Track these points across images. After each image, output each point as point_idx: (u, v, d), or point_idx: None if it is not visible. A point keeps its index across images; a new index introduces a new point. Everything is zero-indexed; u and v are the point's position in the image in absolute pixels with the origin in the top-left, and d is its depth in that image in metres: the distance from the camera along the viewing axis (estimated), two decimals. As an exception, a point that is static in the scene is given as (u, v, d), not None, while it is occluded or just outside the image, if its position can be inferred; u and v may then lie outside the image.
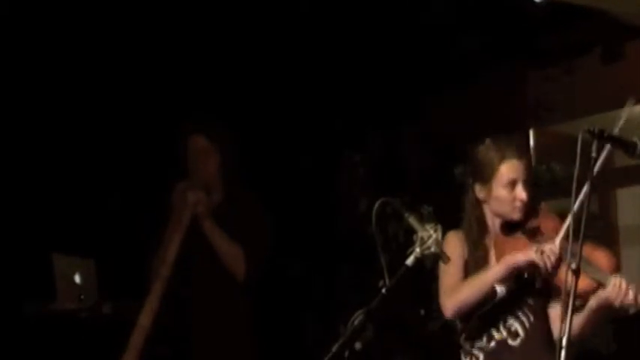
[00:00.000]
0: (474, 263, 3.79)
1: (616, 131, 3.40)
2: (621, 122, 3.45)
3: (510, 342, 3.76)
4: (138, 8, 5.52)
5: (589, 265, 3.57)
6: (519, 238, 3.76)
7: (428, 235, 3.34)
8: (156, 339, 4.60)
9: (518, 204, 3.75)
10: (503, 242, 3.77)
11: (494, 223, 3.83)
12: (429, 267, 3.84)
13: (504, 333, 3.76)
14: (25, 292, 5.51)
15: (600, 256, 3.67)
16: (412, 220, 3.40)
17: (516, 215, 3.77)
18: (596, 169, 3.31)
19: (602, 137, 3.24)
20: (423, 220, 3.48)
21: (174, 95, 5.91)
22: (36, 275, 5.52)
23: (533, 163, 6.34)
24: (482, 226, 3.83)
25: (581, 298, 3.56)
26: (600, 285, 3.58)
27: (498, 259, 3.74)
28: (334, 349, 3.21)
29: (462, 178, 3.92)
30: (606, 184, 6.21)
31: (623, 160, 3.85)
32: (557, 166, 6.02)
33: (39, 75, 5.75)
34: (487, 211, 3.83)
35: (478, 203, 3.83)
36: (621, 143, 3.36)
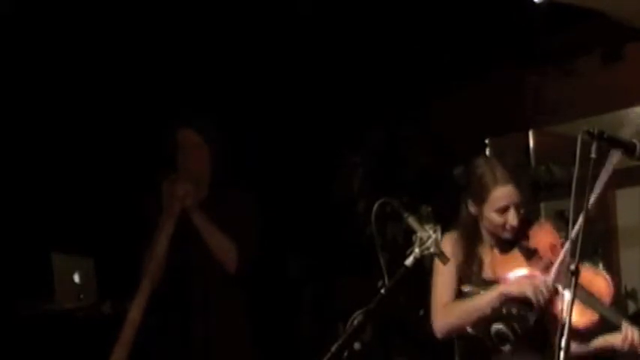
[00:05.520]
0: (468, 275, 3.81)
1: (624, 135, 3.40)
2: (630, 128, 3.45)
3: (501, 347, 3.76)
4: (132, 5, 5.52)
5: (591, 296, 3.56)
6: (516, 256, 3.77)
7: (427, 235, 3.34)
8: (153, 340, 4.61)
9: (508, 228, 3.77)
10: (499, 259, 3.78)
11: (488, 237, 3.85)
12: (429, 267, 3.84)
13: (495, 339, 3.76)
14: (23, 292, 5.50)
15: (601, 285, 3.66)
16: (411, 221, 3.40)
17: (506, 237, 3.79)
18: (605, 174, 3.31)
19: (602, 138, 3.24)
20: (422, 220, 3.48)
21: (169, 95, 5.90)
22: (34, 274, 5.52)
23: (533, 164, 6.35)
24: (477, 237, 3.86)
25: (584, 334, 3.56)
26: (603, 319, 3.58)
27: (494, 274, 3.77)
28: (333, 349, 3.21)
29: (461, 179, 3.94)
30: (605, 185, 6.20)
31: (622, 161, 3.85)
32: (557, 167, 6.02)
33: (35, 75, 5.74)
34: (481, 225, 3.86)
35: (472, 216, 3.86)
36: (621, 144, 3.36)
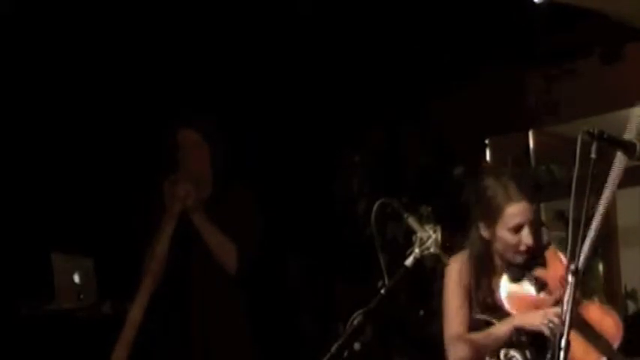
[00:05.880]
0: (480, 300, 3.76)
1: (627, 136, 3.39)
2: (631, 126, 3.44)
3: None
4: (132, 5, 5.51)
5: (601, 338, 3.54)
6: (526, 286, 3.72)
7: (427, 235, 3.34)
8: (153, 339, 4.61)
9: (523, 248, 3.71)
10: (510, 288, 3.73)
11: (500, 263, 3.80)
12: (429, 267, 3.83)
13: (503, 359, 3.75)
14: (23, 292, 5.50)
15: (610, 326, 3.62)
16: (411, 221, 3.40)
17: (519, 259, 3.72)
18: (611, 180, 3.30)
19: (602, 138, 3.23)
20: (422, 220, 3.48)
21: (169, 95, 5.90)
22: (34, 274, 5.52)
23: (533, 164, 6.35)
24: (489, 263, 3.79)
25: None
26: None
27: (506, 303, 3.72)
28: (333, 349, 3.21)
29: (461, 179, 3.92)
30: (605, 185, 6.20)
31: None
32: (557, 168, 6.01)
33: (35, 75, 5.74)
34: (492, 249, 3.79)
35: (483, 240, 3.79)
36: (620, 144, 3.36)
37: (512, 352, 3.72)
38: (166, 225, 4.63)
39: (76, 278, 5.51)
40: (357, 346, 3.24)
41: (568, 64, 6.19)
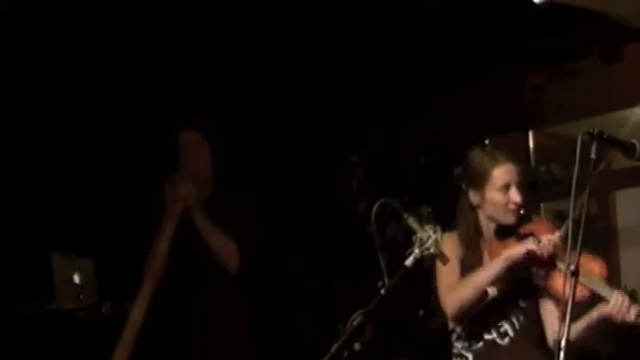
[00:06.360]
0: (469, 266, 3.81)
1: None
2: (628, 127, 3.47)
3: (499, 341, 3.78)
4: (132, 5, 5.52)
5: (584, 275, 3.58)
6: (512, 242, 3.78)
7: (427, 235, 3.35)
8: (154, 339, 4.61)
9: (512, 207, 3.78)
10: (496, 246, 3.79)
11: (488, 228, 3.86)
12: (429, 267, 3.84)
13: (494, 333, 3.78)
14: (23, 292, 5.50)
15: (594, 265, 3.69)
16: (411, 221, 3.41)
17: (510, 219, 3.80)
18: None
19: (602, 139, 3.24)
20: (422, 221, 3.49)
21: (169, 95, 5.91)
22: (34, 274, 5.52)
23: (533, 164, 6.36)
24: (477, 231, 3.86)
25: (576, 307, 3.56)
26: (596, 295, 3.59)
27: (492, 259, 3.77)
28: (333, 349, 3.22)
29: (460, 180, 3.95)
30: (605, 185, 6.21)
31: (621, 161, 3.87)
32: (557, 168, 6.02)
33: (35, 75, 5.74)
34: (481, 216, 3.87)
35: (472, 209, 3.87)
36: (620, 145, 3.37)
37: (502, 322, 3.75)
38: (167, 225, 4.63)
39: (76, 278, 5.51)
40: (357, 346, 3.24)
41: (568, 64, 6.19)
